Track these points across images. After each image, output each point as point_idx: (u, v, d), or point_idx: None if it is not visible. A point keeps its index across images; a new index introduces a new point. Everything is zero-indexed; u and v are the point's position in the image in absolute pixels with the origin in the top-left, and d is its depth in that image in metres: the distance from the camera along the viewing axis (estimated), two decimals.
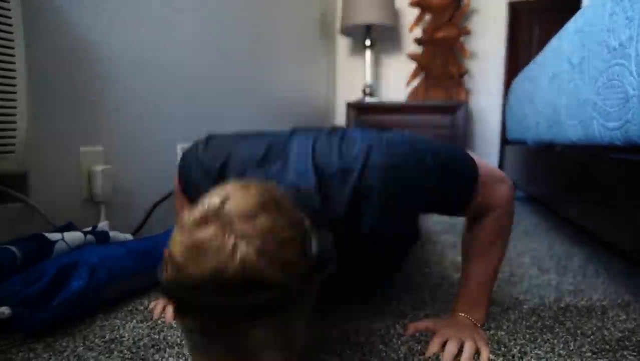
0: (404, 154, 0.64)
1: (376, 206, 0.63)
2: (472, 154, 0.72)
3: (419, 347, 0.68)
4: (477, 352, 0.66)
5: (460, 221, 1.73)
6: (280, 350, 0.44)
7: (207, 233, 0.41)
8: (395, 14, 2.52)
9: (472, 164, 0.70)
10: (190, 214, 0.44)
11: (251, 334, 0.42)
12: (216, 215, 0.42)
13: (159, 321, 0.77)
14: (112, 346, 0.68)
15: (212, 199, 0.44)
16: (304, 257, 0.45)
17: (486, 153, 2.76)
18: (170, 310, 0.79)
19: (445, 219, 1.80)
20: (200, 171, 0.71)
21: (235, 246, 0.41)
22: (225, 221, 0.42)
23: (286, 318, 0.44)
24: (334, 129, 0.70)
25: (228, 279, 0.40)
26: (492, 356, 0.66)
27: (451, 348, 0.66)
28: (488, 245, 0.75)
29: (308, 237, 0.47)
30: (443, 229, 1.59)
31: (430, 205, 0.71)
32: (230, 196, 0.44)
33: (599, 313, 0.83)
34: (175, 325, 0.76)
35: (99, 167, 1.05)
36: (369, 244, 0.69)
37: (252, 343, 0.42)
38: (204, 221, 0.42)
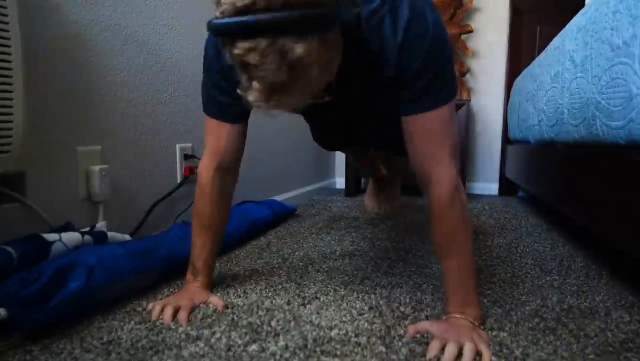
0: (421, 12, 0.67)
1: (379, 36, 0.67)
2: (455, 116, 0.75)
3: (420, 349, 0.67)
4: (479, 354, 0.65)
5: None
6: (318, 70, 0.53)
7: None
8: None
9: (453, 89, 0.73)
10: None
11: (297, 50, 0.49)
12: None
13: (158, 323, 0.77)
14: (110, 348, 0.68)
15: None
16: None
17: (488, 152, 2.75)
18: (169, 312, 0.78)
19: None
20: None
21: None
22: None
23: (324, 40, 0.52)
24: None
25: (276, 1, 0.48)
26: (494, 358, 0.65)
27: (451, 350, 0.65)
28: (450, 241, 0.75)
29: None
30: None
31: (410, 73, 0.70)
32: None
33: (603, 314, 0.82)
34: (174, 326, 0.75)
35: (96, 167, 1.04)
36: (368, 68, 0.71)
37: (296, 61, 0.50)
38: None
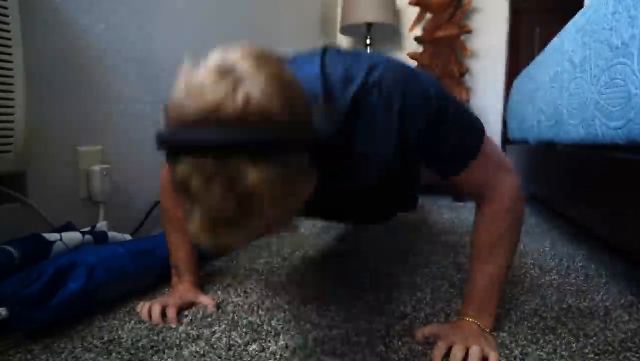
0: (409, 78, 0.61)
1: (370, 124, 0.60)
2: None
3: (420, 348, 0.68)
4: (486, 358, 0.64)
5: (461, 221, 1.72)
6: (278, 203, 0.43)
7: (209, 74, 0.41)
8: (395, 13, 2.51)
9: (480, 128, 0.67)
10: (191, 68, 0.43)
11: (249, 176, 0.40)
12: (218, 61, 0.43)
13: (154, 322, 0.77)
14: (111, 347, 0.68)
15: (213, 54, 0.44)
16: (309, 114, 0.46)
17: None
18: (156, 310, 0.77)
19: (445, 219, 1.79)
20: None
21: (238, 82, 0.40)
22: (229, 65, 0.42)
23: (286, 166, 0.42)
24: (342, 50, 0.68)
25: (228, 114, 0.39)
26: None
27: (457, 353, 0.64)
28: (493, 247, 0.71)
29: (312, 104, 0.47)
30: (443, 230, 1.59)
31: (423, 146, 0.63)
32: (230, 51, 0.44)
33: (602, 314, 0.82)
34: (174, 326, 0.75)
35: (97, 167, 1.04)
36: (362, 169, 0.65)
37: (248, 190, 0.41)
38: (204, 67, 0.42)
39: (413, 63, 2.59)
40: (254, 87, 0.40)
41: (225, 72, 0.41)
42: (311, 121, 0.46)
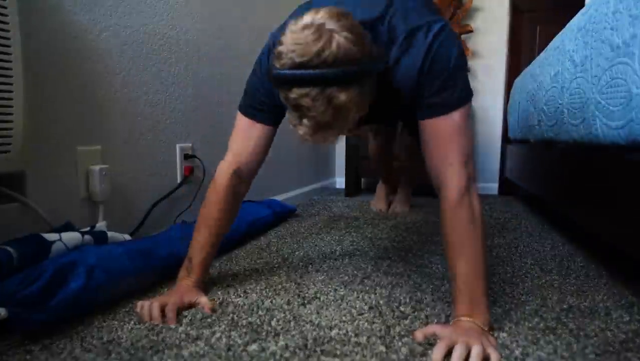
0: (447, 36, 0.77)
1: (410, 57, 0.77)
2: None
3: (420, 348, 0.67)
4: (487, 358, 0.64)
5: None
6: (356, 111, 0.68)
7: (310, 31, 0.63)
8: None
9: (468, 96, 0.80)
10: (294, 23, 0.65)
11: (341, 97, 0.64)
12: (313, 21, 0.64)
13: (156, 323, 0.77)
14: (110, 347, 0.68)
15: (307, 15, 0.65)
16: (372, 52, 0.68)
17: (488, 152, 2.75)
18: (156, 309, 0.77)
19: None
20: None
21: (330, 36, 0.63)
22: (320, 23, 0.63)
23: (362, 88, 0.66)
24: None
25: (327, 57, 0.62)
26: None
27: (458, 352, 0.63)
28: (459, 241, 0.75)
29: (372, 43, 0.70)
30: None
31: (426, 81, 0.77)
32: (320, 10, 0.66)
33: (603, 314, 0.82)
34: (174, 326, 0.75)
35: (96, 167, 1.04)
36: (392, 97, 0.81)
37: (340, 105, 0.64)
38: (305, 26, 0.64)
39: None
40: (340, 38, 0.63)
41: (319, 28, 0.63)
42: (376, 57, 0.70)
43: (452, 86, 0.77)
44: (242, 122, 0.92)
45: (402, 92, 0.80)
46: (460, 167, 0.76)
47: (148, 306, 0.79)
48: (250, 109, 0.91)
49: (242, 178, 0.93)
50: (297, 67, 0.63)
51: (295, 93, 0.64)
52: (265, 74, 0.84)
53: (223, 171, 0.91)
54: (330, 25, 0.63)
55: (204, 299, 0.84)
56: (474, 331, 0.68)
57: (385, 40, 0.76)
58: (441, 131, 0.78)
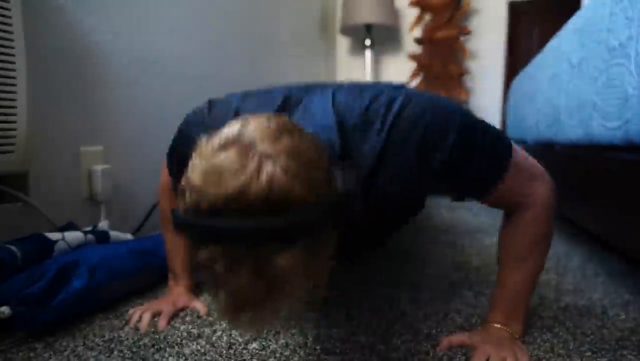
0: (428, 108, 0.57)
1: (393, 167, 0.58)
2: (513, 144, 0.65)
3: (420, 348, 0.68)
4: None
5: (460, 220, 1.72)
6: (305, 281, 0.43)
7: (229, 155, 0.39)
8: (395, 14, 2.52)
9: (506, 143, 0.62)
10: (208, 142, 0.42)
11: (279, 262, 0.39)
12: (236, 139, 0.41)
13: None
14: (112, 345, 0.68)
15: (229, 127, 0.42)
16: (330, 180, 0.44)
17: None
18: (146, 318, 0.76)
19: (444, 219, 1.79)
20: None
21: (260, 165, 0.39)
22: (247, 143, 0.40)
23: (313, 244, 0.42)
24: (351, 84, 0.66)
25: (253, 200, 0.38)
26: None
27: None
28: (525, 252, 0.68)
29: (332, 165, 0.46)
30: (443, 230, 1.59)
31: (448, 176, 0.60)
32: (250, 122, 0.43)
33: (599, 312, 0.83)
34: (171, 326, 0.76)
35: (99, 167, 1.05)
36: (380, 207, 0.64)
37: (276, 274, 0.40)
38: (223, 147, 0.40)
39: (412, 64, 2.60)
40: (276, 167, 0.39)
41: (244, 151, 0.40)
42: (334, 186, 0.45)
43: (481, 161, 0.60)
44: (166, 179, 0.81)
45: (394, 196, 0.61)
46: (544, 179, 0.68)
47: (139, 314, 0.78)
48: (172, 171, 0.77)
49: None
50: (208, 213, 0.39)
51: (204, 253, 0.41)
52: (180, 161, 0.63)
53: (165, 178, 0.83)
54: (264, 146, 0.40)
55: (197, 304, 0.83)
56: (505, 340, 0.66)
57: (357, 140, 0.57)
58: (506, 195, 0.65)
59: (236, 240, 0.39)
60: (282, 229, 0.39)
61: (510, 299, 0.70)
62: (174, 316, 0.80)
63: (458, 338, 0.68)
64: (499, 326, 0.69)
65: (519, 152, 0.65)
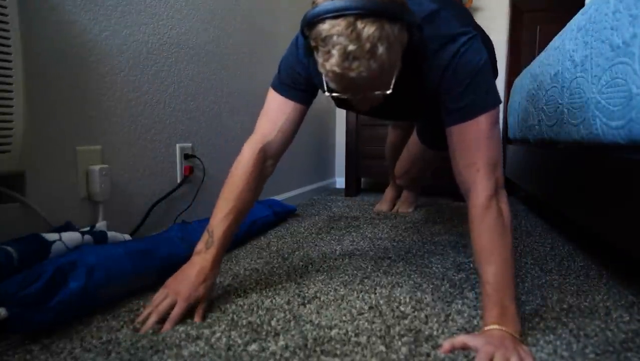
0: (474, 58, 0.79)
1: (439, 73, 0.80)
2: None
3: (421, 350, 0.67)
4: None
5: (461, 221, 1.72)
6: (387, 55, 0.66)
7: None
8: None
9: (496, 101, 0.81)
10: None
11: (371, 29, 0.63)
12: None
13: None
14: (110, 347, 0.68)
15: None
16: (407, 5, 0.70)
17: None
18: (150, 322, 0.74)
19: (445, 218, 1.79)
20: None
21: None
22: None
23: (394, 30, 0.66)
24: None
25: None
26: None
27: None
28: (485, 249, 0.74)
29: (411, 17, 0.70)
30: (443, 230, 1.58)
31: (450, 87, 0.79)
32: None
33: (603, 314, 0.82)
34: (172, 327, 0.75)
35: (96, 167, 1.04)
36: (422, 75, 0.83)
37: (370, 38, 0.64)
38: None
39: None
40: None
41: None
42: (410, 14, 0.69)
43: (476, 90, 0.78)
44: (275, 101, 0.93)
45: (426, 85, 0.82)
46: (488, 172, 0.77)
47: (146, 314, 0.76)
48: (285, 86, 0.92)
49: (268, 157, 0.92)
50: (332, 4, 0.64)
51: (327, 24, 0.64)
52: (301, 47, 0.88)
53: (249, 148, 0.90)
54: None
55: (202, 307, 0.80)
56: (507, 340, 0.66)
57: (417, 44, 0.77)
58: (468, 136, 0.79)
59: (349, 10, 0.63)
60: (376, 7, 0.63)
61: (495, 298, 0.71)
62: (183, 317, 0.77)
63: (460, 340, 0.68)
64: (496, 327, 0.68)
65: (496, 126, 0.80)
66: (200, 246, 0.85)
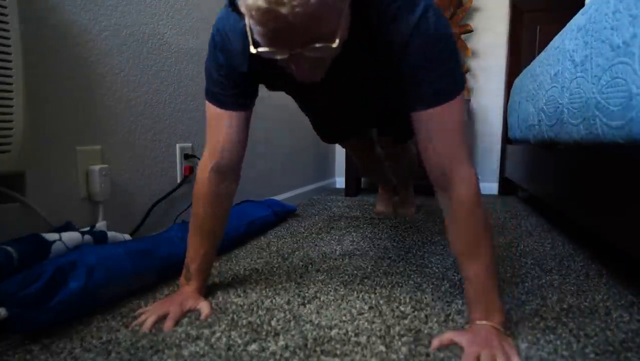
0: (441, 30, 0.68)
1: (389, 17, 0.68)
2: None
3: (421, 350, 0.67)
4: None
5: None
6: (330, 20, 0.56)
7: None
8: None
9: (461, 85, 0.72)
10: None
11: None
12: None
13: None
14: (110, 347, 0.68)
15: None
16: None
17: (488, 152, 2.75)
18: (149, 321, 0.75)
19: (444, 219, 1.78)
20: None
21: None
22: None
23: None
24: None
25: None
26: None
27: None
28: (473, 244, 0.72)
29: None
30: (443, 230, 1.58)
31: (415, 67, 0.69)
32: None
33: (603, 314, 0.82)
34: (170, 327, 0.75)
35: (96, 167, 1.04)
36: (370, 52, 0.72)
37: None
38: None
39: None
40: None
41: None
42: None
43: (453, 70, 0.70)
44: (211, 113, 0.84)
45: (384, 51, 0.70)
46: (469, 164, 0.72)
47: (144, 317, 0.77)
48: (217, 96, 0.82)
49: (224, 175, 0.86)
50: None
51: None
52: (218, 44, 0.79)
53: (200, 171, 0.87)
54: None
55: (204, 304, 0.82)
56: (493, 336, 0.66)
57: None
58: (446, 122, 0.70)
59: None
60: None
61: (481, 294, 0.71)
62: (180, 319, 0.78)
63: (447, 337, 0.69)
64: (482, 323, 0.69)
65: (461, 112, 0.72)
66: (181, 279, 0.89)
